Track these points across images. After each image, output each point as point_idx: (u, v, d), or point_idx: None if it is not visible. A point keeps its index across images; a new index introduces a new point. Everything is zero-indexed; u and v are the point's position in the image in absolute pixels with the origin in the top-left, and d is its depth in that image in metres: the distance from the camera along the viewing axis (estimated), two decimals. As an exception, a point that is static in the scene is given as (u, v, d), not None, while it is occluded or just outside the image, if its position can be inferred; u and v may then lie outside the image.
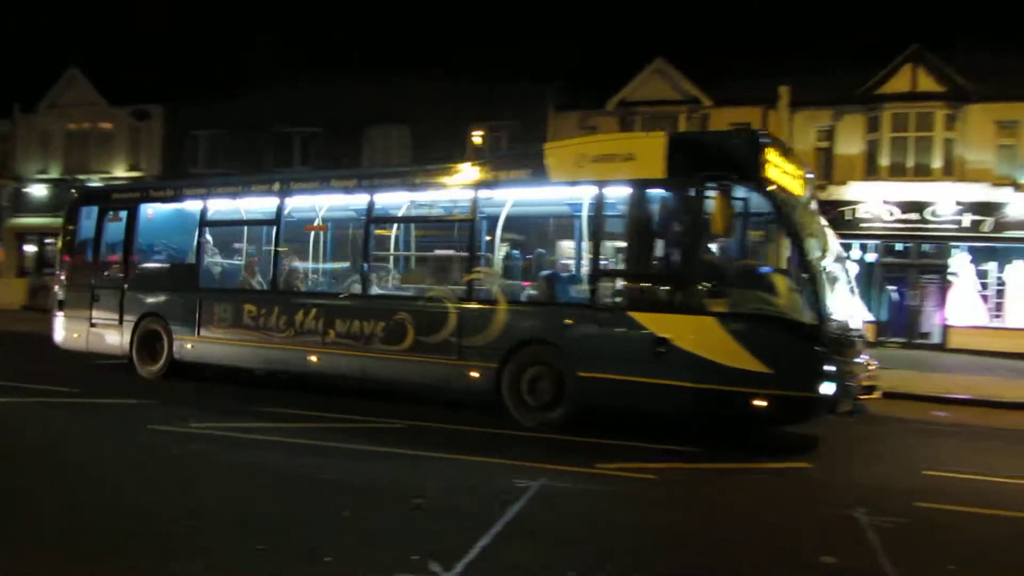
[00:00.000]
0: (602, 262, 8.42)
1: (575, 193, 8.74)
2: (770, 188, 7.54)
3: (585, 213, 8.63)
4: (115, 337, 11.58)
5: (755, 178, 7.46)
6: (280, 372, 10.99)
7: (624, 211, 8.32)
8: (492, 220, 9.34)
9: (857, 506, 5.71)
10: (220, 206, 11.40)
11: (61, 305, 12.29)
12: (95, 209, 12.34)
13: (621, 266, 8.57)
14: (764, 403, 7.21)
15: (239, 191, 11.23)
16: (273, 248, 10.65)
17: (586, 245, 8.74)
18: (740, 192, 7.70)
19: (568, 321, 8.31)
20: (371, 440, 7.58)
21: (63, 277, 12.57)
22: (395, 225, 10.84)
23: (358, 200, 10.13)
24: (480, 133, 21.49)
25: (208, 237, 11.41)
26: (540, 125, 21.31)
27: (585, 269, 8.73)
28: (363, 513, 5.28)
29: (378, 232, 10.42)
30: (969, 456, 8.42)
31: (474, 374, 8.77)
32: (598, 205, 8.34)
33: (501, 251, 9.79)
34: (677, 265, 7.85)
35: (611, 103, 21.65)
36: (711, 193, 7.40)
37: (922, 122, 20.94)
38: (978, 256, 20.82)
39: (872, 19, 21.93)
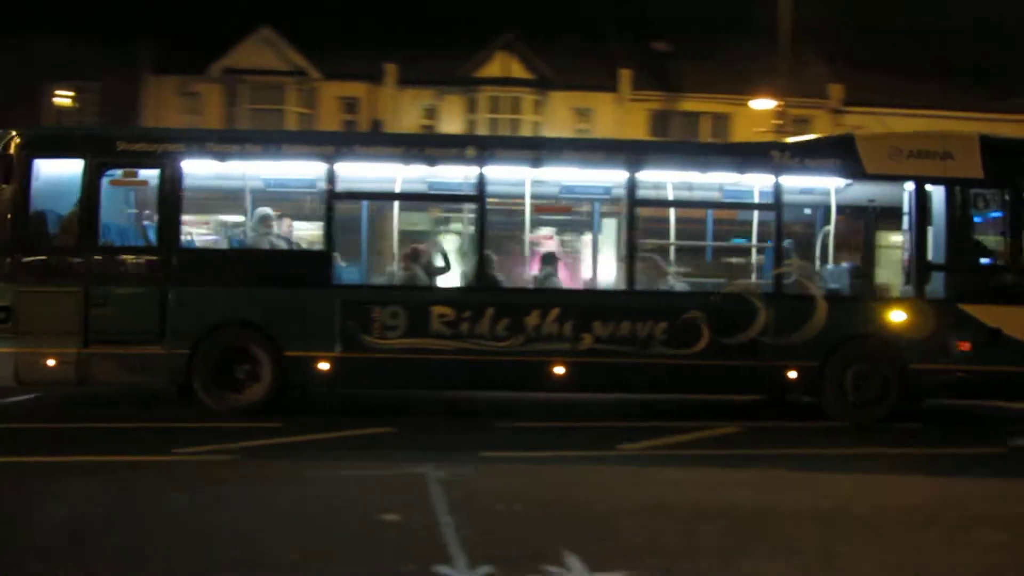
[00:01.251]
0: (929, 256, 8.52)
1: (891, 186, 8.83)
2: None
3: (908, 207, 8.68)
4: (141, 361, 8.29)
5: None
6: (489, 390, 8.99)
7: (944, 208, 8.54)
8: (794, 208, 9.24)
9: (428, 463, 6.13)
10: (365, 171, 8.94)
11: (3, 316, 8.21)
12: (77, 163, 8.50)
13: (950, 261, 8.60)
14: None
15: (408, 154, 8.77)
16: (477, 232, 8.61)
17: (910, 239, 8.68)
18: None
19: (898, 315, 8.45)
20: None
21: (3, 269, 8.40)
22: (670, 210, 9.45)
23: (610, 176, 8.91)
24: (69, 94, 21.14)
25: (336, 214, 8.63)
26: (131, 88, 21.29)
27: (909, 263, 8.68)
28: None
29: (644, 216, 9.05)
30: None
31: (791, 374, 8.47)
32: (921, 200, 8.51)
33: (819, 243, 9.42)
34: (1002, 261, 8.65)
35: (215, 69, 21.98)
36: None
37: (514, 106, 23.14)
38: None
39: (477, 4, 23.70)
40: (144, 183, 8.71)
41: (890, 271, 9.77)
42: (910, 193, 8.72)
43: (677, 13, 24.98)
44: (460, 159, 8.73)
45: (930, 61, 24.38)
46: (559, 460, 6.75)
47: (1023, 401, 9.13)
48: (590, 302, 8.92)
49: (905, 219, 8.87)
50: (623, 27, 24.86)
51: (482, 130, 22.75)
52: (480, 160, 8.55)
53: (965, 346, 8.44)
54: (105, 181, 8.49)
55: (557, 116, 22.96)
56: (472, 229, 9.06)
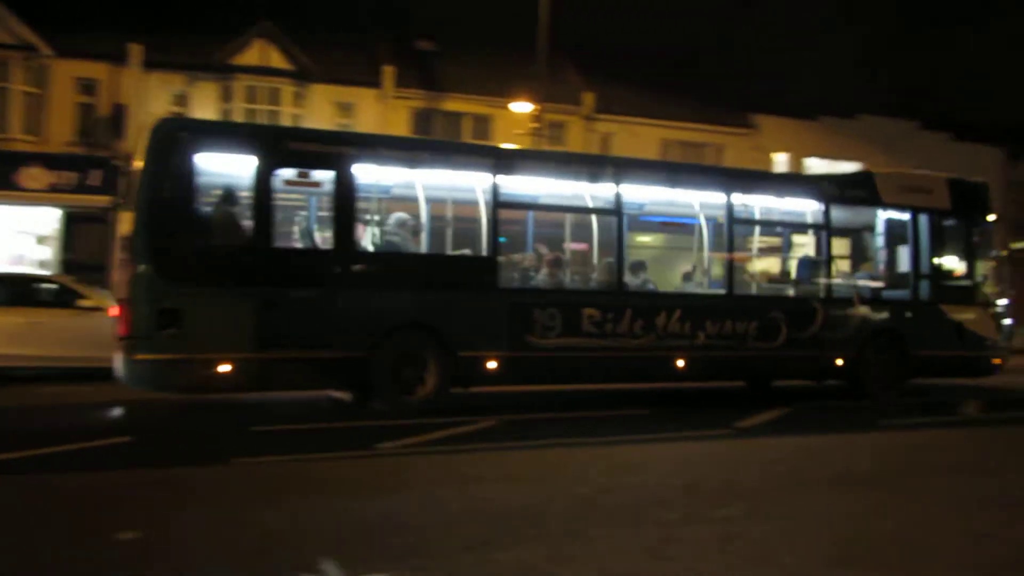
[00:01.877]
0: (921, 269, 11.24)
1: (898, 214, 11.40)
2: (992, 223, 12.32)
3: (908, 230, 11.29)
4: (319, 365, 8.05)
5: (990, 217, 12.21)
6: (625, 383, 10.52)
7: (928, 231, 11.30)
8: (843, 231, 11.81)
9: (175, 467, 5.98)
10: (522, 184, 9.47)
11: (171, 320, 7.34)
12: (243, 159, 7.98)
13: (932, 272, 11.34)
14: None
15: (561, 170, 9.94)
16: (617, 242, 9.53)
17: (910, 255, 11.27)
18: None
19: (905, 313, 11.12)
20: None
21: (171, 270, 7.51)
22: (757, 227, 11.74)
23: (719, 199, 10.35)
24: None
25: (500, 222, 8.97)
26: None
27: (913, 275, 11.26)
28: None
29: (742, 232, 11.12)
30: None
31: (839, 361, 10.51)
32: (915, 224, 11.24)
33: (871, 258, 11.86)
34: (959, 274, 11.69)
35: (-78, 37, 19.77)
36: (982, 227, 12.03)
37: (272, 96, 22.66)
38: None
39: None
40: (318, 184, 8.39)
41: (894, 280, 11.77)
42: (909, 219, 11.27)
43: (442, 13, 25.78)
44: (603, 178, 9.72)
45: (673, 76, 26.88)
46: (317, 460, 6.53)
47: (975, 378, 12.10)
48: (703, 304, 10.09)
49: (911, 239, 11.32)
50: (388, 24, 25.24)
51: (237, 119, 22.16)
52: (618, 179, 9.61)
53: (943, 336, 11.18)
54: (277, 181, 8.07)
55: (317, 109, 22.79)
56: (612, 239, 9.73)
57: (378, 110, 23.27)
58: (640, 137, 25.37)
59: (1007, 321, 12.68)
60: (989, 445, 8.15)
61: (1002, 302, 12.30)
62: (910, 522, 4.91)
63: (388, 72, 23.37)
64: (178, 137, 7.79)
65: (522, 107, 20.55)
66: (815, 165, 26.77)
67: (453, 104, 24.07)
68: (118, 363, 7.81)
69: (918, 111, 28.67)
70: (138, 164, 7.79)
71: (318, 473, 6.04)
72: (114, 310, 8.65)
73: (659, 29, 28.74)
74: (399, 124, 23.28)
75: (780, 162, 26.61)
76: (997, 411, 11.16)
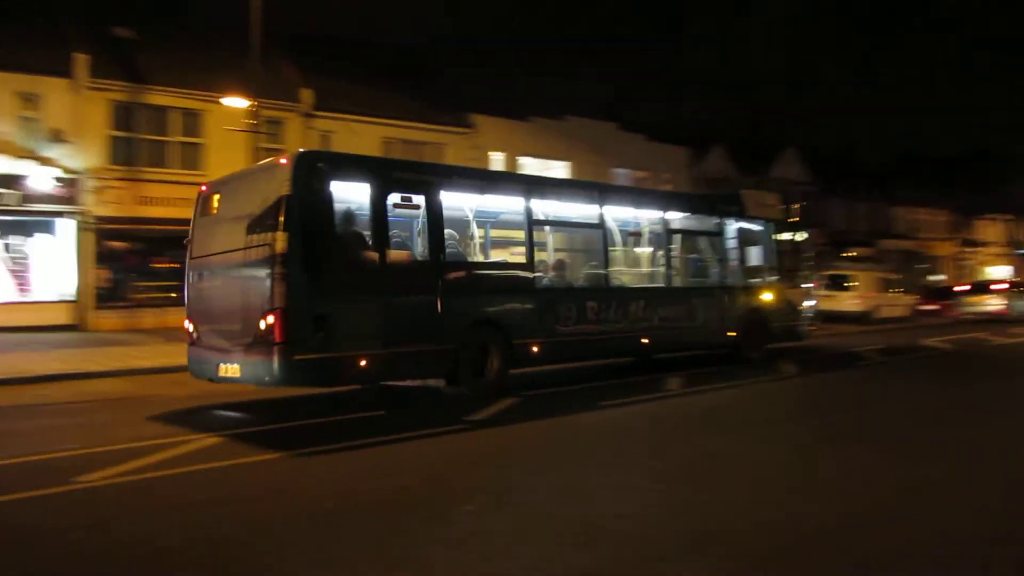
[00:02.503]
0: (772, 263, 15.17)
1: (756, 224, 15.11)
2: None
3: (753, 234, 15.03)
4: (427, 356, 9.57)
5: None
6: (614, 358, 13.24)
7: (766, 236, 15.18)
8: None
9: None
10: (548, 208, 11.78)
11: (321, 325, 8.42)
12: (362, 186, 9.29)
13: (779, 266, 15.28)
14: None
15: (569, 195, 12.45)
16: (604, 250, 12.16)
17: (764, 253, 15.13)
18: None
19: (766, 296, 14.70)
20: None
21: (319, 282, 8.53)
22: (681, 235, 13.98)
23: (658, 216, 13.37)
24: None
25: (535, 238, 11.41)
26: None
27: (766, 268, 15.05)
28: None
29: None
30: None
31: (731, 334, 13.85)
32: (766, 231, 15.26)
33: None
34: (794, 265, 15.88)
35: None
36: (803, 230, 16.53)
37: (-63, 83, 20.38)
38: (2, 229, 21.34)
39: None
40: (418, 207, 9.82)
41: (757, 272, 14.98)
42: (762, 227, 15.07)
43: (146, 1, 24.46)
44: (592, 200, 12.34)
45: (394, 74, 27.70)
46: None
47: (798, 342, 15.83)
48: (657, 296, 12.76)
49: (760, 241, 15.01)
50: (82, 9, 23.53)
51: None
52: (603, 202, 12.37)
53: (785, 312, 14.92)
54: (389, 205, 9.43)
55: (-3, 99, 20.80)
56: (599, 247, 12.17)
57: (71, 101, 21.60)
58: (360, 135, 25.87)
59: (812, 301, 16.59)
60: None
61: (809, 285, 16.35)
62: (621, 491, 5.67)
63: (81, 60, 21.76)
64: (318, 168, 8.86)
65: (236, 102, 20.13)
66: (528, 164, 28.95)
67: (159, 98, 22.97)
68: (263, 365, 8.33)
69: (618, 113, 31.98)
70: (282, 191, 8.39)
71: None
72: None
73: (380, 27, 29.29)
74: (96, 117, 21.86)
75: (497, 160, 28.45)
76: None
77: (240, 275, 8.75)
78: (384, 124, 26.60)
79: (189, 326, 9.75)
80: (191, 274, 9.85)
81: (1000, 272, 53.84)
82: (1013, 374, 13.79)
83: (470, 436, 7.88)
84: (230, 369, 8.83)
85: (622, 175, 31.86)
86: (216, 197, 9.64)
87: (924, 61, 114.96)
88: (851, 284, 26.61)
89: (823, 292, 26.32)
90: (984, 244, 55.70)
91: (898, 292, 29.02)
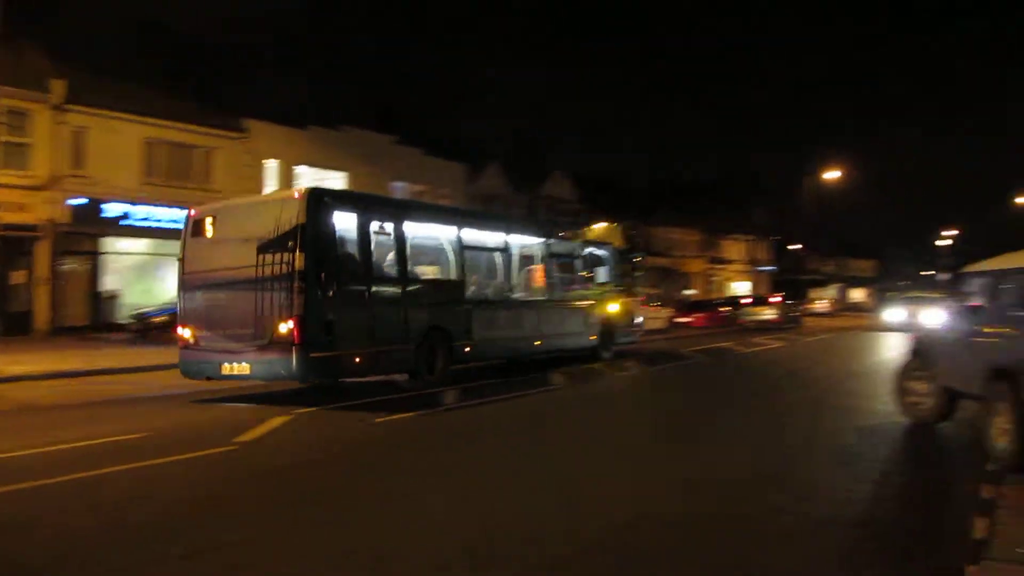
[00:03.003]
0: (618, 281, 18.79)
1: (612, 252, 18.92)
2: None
3: (612, 260, 18.80)
4: (398, 355, 11.85)
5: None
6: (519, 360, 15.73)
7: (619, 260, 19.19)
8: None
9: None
10: (473, 235, 14.21)
11: (329, 329, 10.61)
12: (353, 216, 11.45)
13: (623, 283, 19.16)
14: None
15: (489, 225, 15.32)
16: (507, 270, 14.86)
17: (609, 272, 18.58)
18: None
19: (614, 307, 18.19)
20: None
21: (327, 294, 10.55)
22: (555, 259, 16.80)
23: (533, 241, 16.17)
24: None
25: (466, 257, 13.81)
26: None
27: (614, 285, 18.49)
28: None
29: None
30: None
31: (592, 338, 17.01)
32: (613, 257, 18.84)
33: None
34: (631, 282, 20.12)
35: None
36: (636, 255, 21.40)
37: None
38: None
39: None
40: (389, 234, 11.96)
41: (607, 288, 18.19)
42: (610, 253, 18.61)
43: None
44: (500, 229, 15.13)
45: (154, 71, 26.24)
46: None
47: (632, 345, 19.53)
48: (539, 306, 15.57)
49: (608, 264, 18.41)
50: None
51: None
52: (508, 230, 15.26)
53: (625, 318, 18.46)
54: (372, 231, 11.60)
55: None
56: (503, 267, 14.77)
57: None
58: (120, 133, 24.41)
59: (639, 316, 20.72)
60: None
61: (639, 299, 20.65)
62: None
63: None
64: (324, 201, 10.85)
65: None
66: (305, 173, 28.70)
67: None
68: (281, 363, 10.24)
69: (395, 126, 32.51)
70: (299, 219, 10.31)
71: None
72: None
73: (142, 18, 27.80)
74: None
75: (271, 168, 27.94)
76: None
77: (253, 288, 10.41)
78: (147, 123, 25.23)
79: (185, 332, 11.21)
80: (187, 287, 11.36)
81: (742, 287, 60.77)
82: (751, 380, 15.68)
83: (452, 413, 10.22)
84: (236, 368, 10.60)
85: (399, 188, 32.46)
86: (209, 221, 11.33)
87: (677, 94, 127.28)
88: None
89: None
90: (729, 262, 62.56)
91: (656, 306, 32.00)
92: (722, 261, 61.79)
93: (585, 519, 5.44)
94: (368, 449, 8.16)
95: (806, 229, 55.69)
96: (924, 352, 9.69)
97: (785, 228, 66.23)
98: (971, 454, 7.71)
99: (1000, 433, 7.21)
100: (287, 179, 27.86)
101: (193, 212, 11.74)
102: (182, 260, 11.53)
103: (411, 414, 9.87)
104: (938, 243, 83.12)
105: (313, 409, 10.23)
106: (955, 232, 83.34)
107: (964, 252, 71.47)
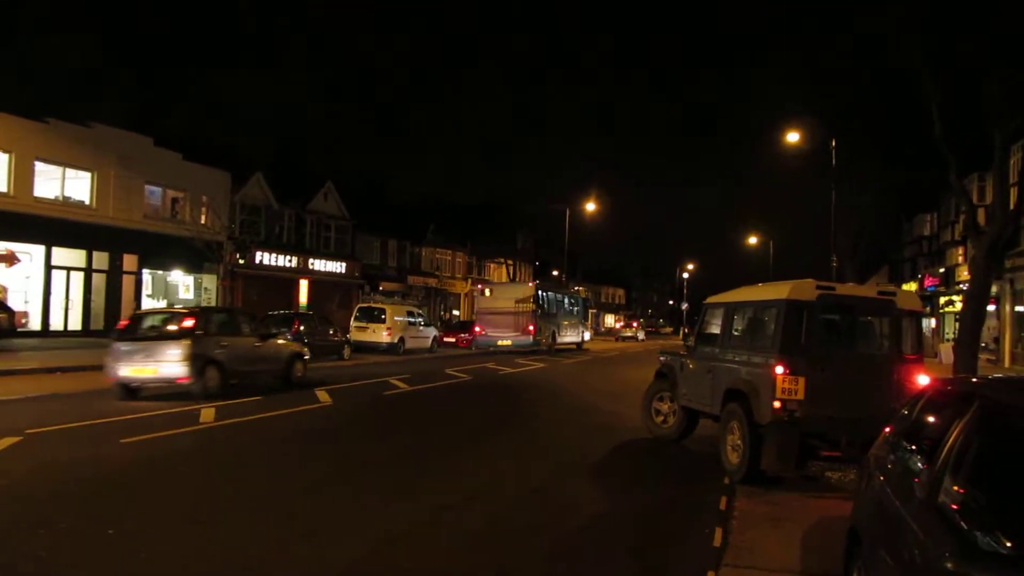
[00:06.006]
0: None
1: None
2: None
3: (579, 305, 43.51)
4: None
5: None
6: None
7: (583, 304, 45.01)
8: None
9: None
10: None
11: (540, 325, 34.07)
12: (546, 294, 36.13)
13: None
14: None
15: None
16: None
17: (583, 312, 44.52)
18: None
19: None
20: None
21: None
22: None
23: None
24: None
25: None
26: None
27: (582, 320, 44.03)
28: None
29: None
30: None
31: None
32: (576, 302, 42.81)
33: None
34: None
35: None
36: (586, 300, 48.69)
37: None
38: None
39: None
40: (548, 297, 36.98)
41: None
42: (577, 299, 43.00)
43: None
44: None
45: None
46: None
47: None
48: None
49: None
50: None
51: None
52: None
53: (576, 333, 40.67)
54: (547, 296, 37.42)
55: None
56: None
57: None
58: None
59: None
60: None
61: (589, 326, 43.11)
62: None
63: None
64: (538, 283, 38.79)
65: None
66: (45, 170, 26.51)
67: None
68: (526, 340, 33.38)
69: (152, 127, 30.97)
70: (533, 292, 34.70)
71: None
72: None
73: None
74: None
75: (1, 162, 25.53)
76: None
77: (513, 314, 33.10)
78: None
79: (478, 329, 34.53)
80: (480, 313, 35.04)
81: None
82: (513, 401, 16.73)
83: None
84: (503, 342, 33.03)
85: (156, 193, 30.95)
86: (488, 290, 35.51)
87: (449, 121, 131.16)
88: (384, 317, 29.42)
89: (355, 324, 28.95)
90: (494, 283, 65.50)
91: (423, 325, 33.02)
92: (487, 283, 64.57)
93: (334, 547, 6.13)
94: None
95: (562, 257, 59.88)
96: (668, 375, 11.43)
97: (543, 254, 70.73)
98: (710, 469, 9.02)
99: (732, 450, 8.77)
100: (23, 175, 25.61)
101: (480, 287, 36.86)
102: (479, 308, 35.28)
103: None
104: (683, 275, 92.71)
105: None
106: (692, 266, 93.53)
107: (703, 284, 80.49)
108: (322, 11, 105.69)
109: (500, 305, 32.60)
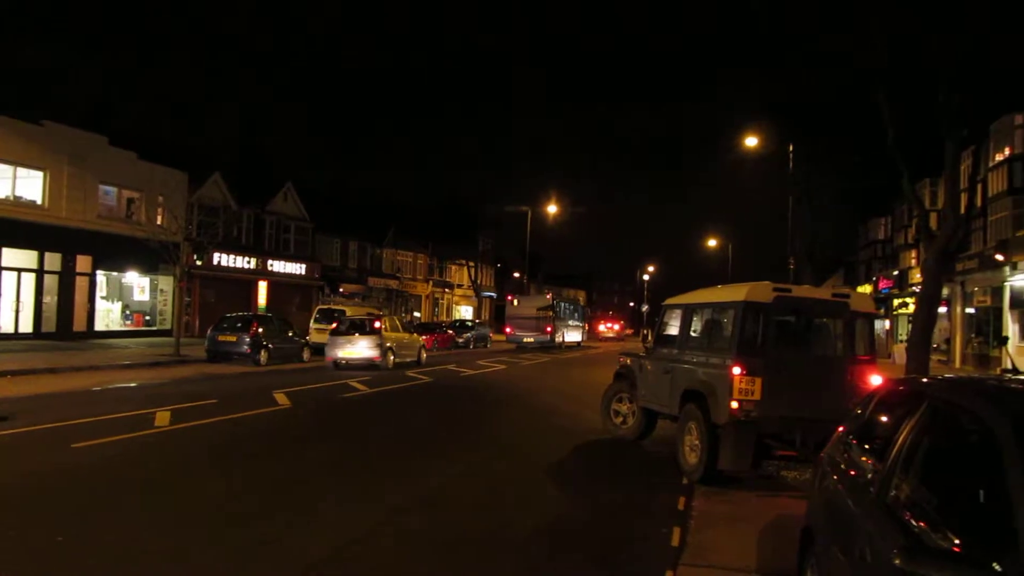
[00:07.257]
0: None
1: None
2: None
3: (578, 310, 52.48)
4: None
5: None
6: None
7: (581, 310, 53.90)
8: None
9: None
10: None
11: (554, 327, 43.01)
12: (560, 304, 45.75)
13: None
14: None
15: None
16: None
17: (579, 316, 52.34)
18: None
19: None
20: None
21: None
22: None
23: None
24: None
25: None
26: None
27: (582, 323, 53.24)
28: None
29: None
30: None
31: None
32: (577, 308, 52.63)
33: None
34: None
35: None
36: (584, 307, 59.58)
37: None
38: None
39: None
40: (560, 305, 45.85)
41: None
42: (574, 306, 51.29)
43: None
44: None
45: None
46: None
47: None
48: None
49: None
50: None
51: None
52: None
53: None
54: (561, 305, 47.02)
55: None
56: None
57: None
58: None
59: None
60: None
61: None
62: None
63: None
64: (553, 295, 47.55)
65: None
66: (-7, 168, 25.90)
67: None
68: (545, 339, 42.01)
69: (107, 126, 30.37)
70: (548, 303, 43.47)
71: None
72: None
73: None
74: None
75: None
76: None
77: (533, 317, 41.90)
78: None
79: (509, 329, 42.77)
80: (511, 317, 43.26)
81: (466, 312, 63.80)
82: (475, 401, 16.86)
83: None
84: (527, 339, 41.48)
85: (110, 192, 30.38)
86: (516, 300, 43.96)
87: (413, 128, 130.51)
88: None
89: (315, 327, 28.66)
90: (454, 286, 65.40)
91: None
92: (448, 285, 64.44)
93: (289, 553, 6.13)
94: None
95: (523, 258, 60.02)
96: (627, 376, 11.51)
97: (504, 256, 70.79)
98: (669, 469, 9.14)
99: (690, 450, 8.87)
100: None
101: (508, 297, 46.47)
102: (509, 314, 43.62)
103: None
104: (644, 277, 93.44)
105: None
106: (652, 268, 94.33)
107: (663, 286, 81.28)
108: (287, 12, 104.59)
109: (524, 312, 41.88)
